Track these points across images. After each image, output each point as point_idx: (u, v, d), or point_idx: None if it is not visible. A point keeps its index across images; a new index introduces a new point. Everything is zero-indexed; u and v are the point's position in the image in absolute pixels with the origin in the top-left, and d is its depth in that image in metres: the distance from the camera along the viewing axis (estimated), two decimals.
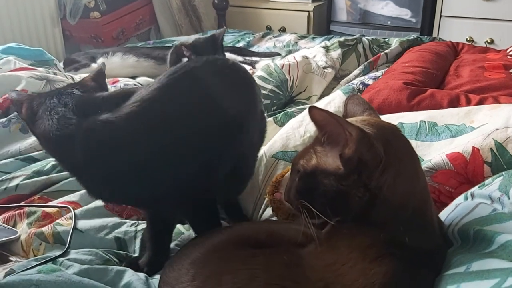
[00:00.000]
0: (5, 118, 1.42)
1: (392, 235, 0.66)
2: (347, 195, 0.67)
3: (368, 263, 0.64)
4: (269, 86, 1.62)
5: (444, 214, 0.80)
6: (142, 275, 0.89)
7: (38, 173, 1.25)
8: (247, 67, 2.03)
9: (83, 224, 1.06)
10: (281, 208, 1.03)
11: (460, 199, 0.82)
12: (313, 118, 0.69)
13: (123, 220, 1.09)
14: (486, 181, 0.83)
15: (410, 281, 0.65)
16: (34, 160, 1.33)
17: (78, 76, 1.80)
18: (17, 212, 1.11)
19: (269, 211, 1.11)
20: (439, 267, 0.68)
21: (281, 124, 1.41)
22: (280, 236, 0.75)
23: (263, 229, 0.77)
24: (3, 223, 1.09)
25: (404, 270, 0.64)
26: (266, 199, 1.09)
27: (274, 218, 1.07)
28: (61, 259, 0.92)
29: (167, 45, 2.41)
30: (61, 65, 1.89)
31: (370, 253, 0.65)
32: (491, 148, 0.91)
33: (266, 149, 1.23)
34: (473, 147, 0.92)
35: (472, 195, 0.80)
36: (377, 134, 0.67)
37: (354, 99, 0.81)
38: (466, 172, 0.91)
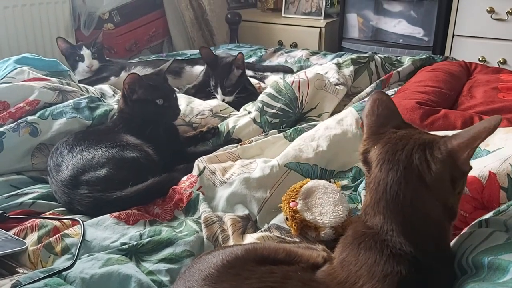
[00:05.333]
0: (15, 123, 1.43)
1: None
2: None
3: (376, 282, 0.66)
4: (278, 104, 1.61)
5: (458, 241, 0.79)
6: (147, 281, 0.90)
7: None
8: (255, 81, 2.03)
9: (90, 233, 1.07)
10: (296, 217, 1.03)
11: (474, 226, 0.80)
12: None
13: (129, 227, 1.11)
14: (501, 207, 0.82)
15: None
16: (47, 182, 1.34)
17: (93, 88, 1.81)
18: (29, 224, 1.12)
19: (279, 217, 1.12)
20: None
21: (291, 140, 1.42)
22: (298, 256, 0.75)
23: (281, 248, 0.77)
24: (15, 235, 1.09)
25: None
26: (281, 206, 1.10)
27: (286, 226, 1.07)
28: (65, 273, 0.92)
29: (180, 58, 2.43)
30: (74, 76, 1.90)
31: (377, 271, 0.67)
32: (508, 174, 0.90)
33: (279, 158, 1.25)
34: (490, 172, 0.90)
35: (486, 222, 0.78)
36: None
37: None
38: (482, 197, 0.89)
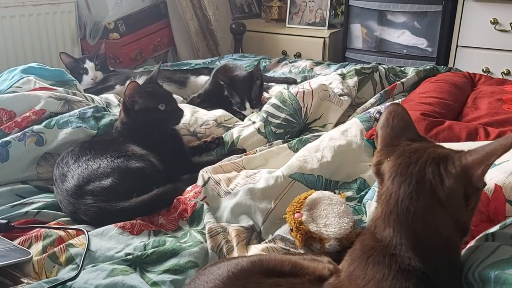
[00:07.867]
0: (20, 132, 1.43)
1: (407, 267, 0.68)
2: None
3: None
4: (283, 115, 1.61)
5: (465, 255, 0.78)
6: None
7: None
8: None
9: (94, 243, 1.08)
10: (301, 228, 1.03)
11: (480, 239, 0.80)
12: None
13: (134, 237, 1.11)
14: (508, 221, 0.82)
15: None
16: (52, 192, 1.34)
17: (99, 98, 1.82)
18: (34, 234, 1.12)
19: (283, 228, 1.12)
20: None
21: (295, 150, 1.42)
22: (303, 269, 0.75)
23: (287, 260, 0.76)
24: (20, 245, 1.09)
25: None
26: (286, 217, 1.10)
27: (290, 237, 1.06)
28: (69, 284, 0.92)
29: (184, 67, 2.44)
30: (80, 85, 1.92)
31: (385, 287, 0.66)
32: None
33: (283, 169, 1.26)
34: (496, 185, 0.90)
35: (493, 236, 0.78)
36: None
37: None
38: (488, 210, 0.89)
